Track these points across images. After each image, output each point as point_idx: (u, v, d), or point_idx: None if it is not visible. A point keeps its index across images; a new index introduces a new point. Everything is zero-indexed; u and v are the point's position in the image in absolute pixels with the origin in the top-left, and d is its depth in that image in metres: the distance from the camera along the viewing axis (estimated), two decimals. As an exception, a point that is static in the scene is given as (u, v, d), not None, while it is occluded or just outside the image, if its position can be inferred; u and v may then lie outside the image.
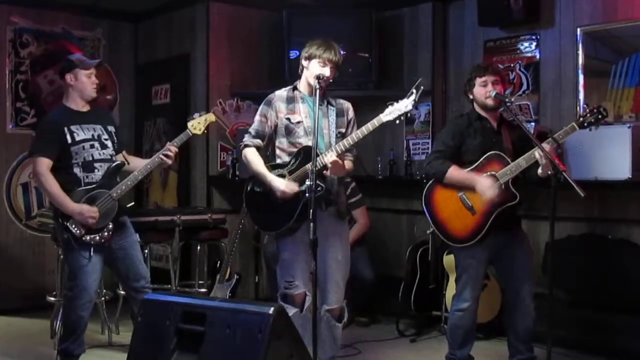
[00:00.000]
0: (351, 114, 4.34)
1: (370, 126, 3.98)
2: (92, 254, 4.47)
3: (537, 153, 4.10)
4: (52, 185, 4.46)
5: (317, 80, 4.06)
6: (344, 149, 4.03)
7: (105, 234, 4.52)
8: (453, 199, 4.37)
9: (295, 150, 4.19)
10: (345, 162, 4.15)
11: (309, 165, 3.91)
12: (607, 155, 4.89)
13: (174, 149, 4.62)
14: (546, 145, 4.07)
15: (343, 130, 4.27)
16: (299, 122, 4.19)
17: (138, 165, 4.73)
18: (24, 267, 6.69)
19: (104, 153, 4.63)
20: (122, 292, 5.79)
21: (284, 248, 4.26)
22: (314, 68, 4.17)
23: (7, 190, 6.73)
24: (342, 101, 4.36)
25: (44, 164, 4.49)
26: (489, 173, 4.26)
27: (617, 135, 4.89)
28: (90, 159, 4.58)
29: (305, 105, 4.25)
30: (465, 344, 4.49)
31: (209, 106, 6.62)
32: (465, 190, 4.32)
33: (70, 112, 4.66)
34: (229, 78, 6.76)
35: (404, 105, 3.94)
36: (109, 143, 4.68)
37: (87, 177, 4.57)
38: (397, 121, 3.98)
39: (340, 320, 4.29)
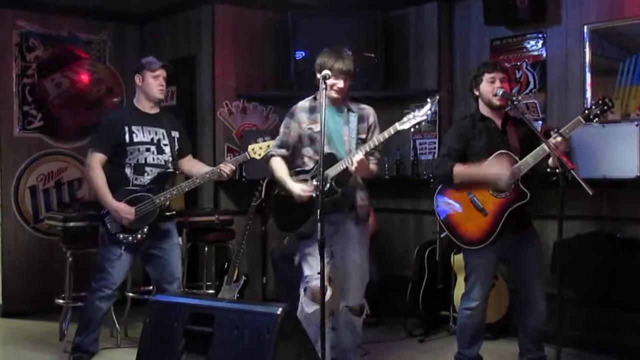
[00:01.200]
0: (372, 119, 4.46)
1: (386, 134, 4.11)
2: (122, 251, 4.65)
3: (545, 147, 4.07)
4: (99, 179, 4.65)
5: (323, 80, 4.04)
6: (366, 151, 4.16)
7: (139, 236, 4.64)
8: (464, 201, 4.36)
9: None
10: (370, 164, 4.32)
11: (329, 171, 4.18)
12: (615, 154, 4.88)
13: (231, 168, 4.78)
14: (557, 140, 4.04)
15: (364, 136, 4.39)
16: (319, 132, 4.22)
17: (196, 172, 4.87)
18: (33, 270, 6.70)
19: (158, 158, 4.75)
20: (130, 294, 5.81)
21: (306, 245, 4.41)
22: (326, 79, 4.19)
23: (15, 194, 6.74)
24: (363, 106, 4.48)
25: (97, 158, 4.69)
26: (499, 152, 4.24)
27: (625, 133, 4.88)
28: (143, 162, 4.71)
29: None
30: (473, 343, 4.48)
31: (215, 108, 6.64)
32: (475, 191, 4.30)
33: (136, 111, 4.80)
34: (235, 79, 6.76)
35: (420, 114, 4.00)
36: (167, 149, 4.79)
37: (136, 178, 4.71)
38: (412, 129, 4.14)
39: (359, 314, 4.54)
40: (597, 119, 4.07)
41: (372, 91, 6.34)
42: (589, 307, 5.13)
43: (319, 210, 3.70)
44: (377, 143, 4.16)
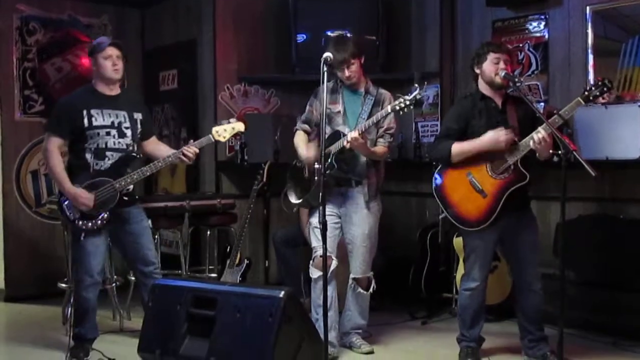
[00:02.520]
0: (387, 103, 4.65)
1: (379, 116, 4.48)
2: (84, 238, 4.52)
3: (535, 136, 4.07)
4: (56, 164, 4.56)
5: (323, 63, 4.05)
6: (363, 130, 4.46)
7: (99, 222, 4.54)
8: (463, 182, 4.35)
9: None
10: (377, 147, 4.68)
11: (331, 147, 4.51)
12: (618, 135, 4.86)
13: (194, 151, 4.65)
14: (542, 134, 4.05)
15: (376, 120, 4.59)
16: (338, 112, 4.73)
17: (159, 155, 4.76)
18: (35, 254, 6.71)
19: (119, 142, 4.64)
20: (133, 278, 5.81)
21: (315, 215, 4.71)
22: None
23: (17, 178, 6.74)
24: (382, 91, 4.78)
25: (54, 142, 4.59)
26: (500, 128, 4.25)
27: (628, 114, 4.85)
28: (104, 146, 4.59)
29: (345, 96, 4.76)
30: (474, 324, 4.50)
31: (217, 91, 6.61)
32: (474, 172, 4.30)
33: (95, 94, 4.67)
34: (236, 63, 6.73)
35: (408, 99, 4.30)
36: (129, 132, 4.67)
37: (96, 164, 4.59)
38: (401, 112, 4.39)
39: (367, 288, 4.82)
40: (596, 100, 4.07)
41: (374, 74, 6.28)
42: (591, 288, 5.14)
43: (321, 194, 3.72)
44: (370, 124, 4.49)
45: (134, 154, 4.70)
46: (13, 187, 6.72)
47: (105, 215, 4.55)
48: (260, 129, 6.37)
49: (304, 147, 4.81)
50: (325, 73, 4.04)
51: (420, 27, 6.49)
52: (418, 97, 4.26)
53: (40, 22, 6.84)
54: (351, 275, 4.80)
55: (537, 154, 4.20)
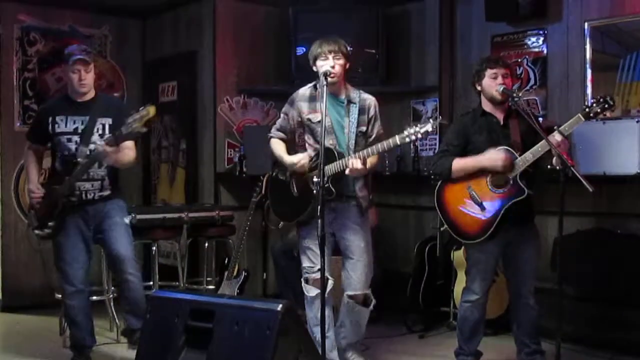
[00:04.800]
0: (372, 111, 4.46)
1: (385, 145, 4.15)
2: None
3: (553, 140, 4.06)
4: (27, 167, 4.86)
5: (324, 77, 4.09)
6: (364, 158, 4.18)
7: (46, 230, 4.65)
8: (464, 195, 4.36)
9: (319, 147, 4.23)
10: (369, 159, 4.27)
11: (327, 169, 4.16)
12: (616, 150, 4.87)
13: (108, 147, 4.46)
14: (558, 137, 4.04)
15: (364, 128, 4.41)
16: (319, 122, 4.28)
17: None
18: (33, 264, 6.69)
19: (82, 149, 4.57)
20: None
21: (306, 235, 4.47)
22: (320, 66, 4.28)
23: (16, 188, 6.74)
24: (366, 96, 4.47)
25: (28, 146, 4.87)
26: (499, 148, 4.24)
27: (626, 129, 4.86)
28: (67, 152, 4.63)
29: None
30: (473, 337, 4.49)
31: (216, 103, 6.63)
32: (474, 185, 4.31)
33: (66, 101, 4.73)
34: (236, 75, 6.75)
35: (421, 131, 4.05)
36: (93, 138, 4.59)
37: (62, 170, 4.65)
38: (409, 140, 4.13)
39: (365, 305, 4.53)
40: (597, 117, 4.06)
41: (373, 87, 6.31)
42: (588, 303, 5.14)
43: (319, 207, 3.71)
44: (375, 152, 4.19)
45: (77, 161, 4.58)
46: (11, 197, 6.72)
47: (51, 223, 4.62)
48: (259, 141, 6.35)
49: (285, 153, 4.50)
50: (326, 87, 4.06)
51: (419, 41, 6.51)
52: (430, 130, 4.06)
53: (40, 32, 6.86)
54: (348, 292, 4.52)
55: (554, 160, 4.15)
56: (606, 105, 4.03)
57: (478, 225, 4.30)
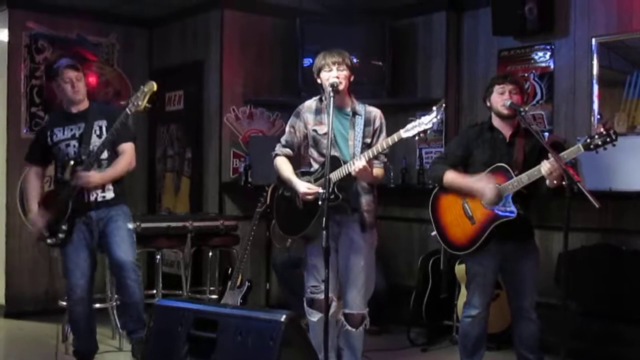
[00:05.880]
0: (378, 122, 4.36)
1: (390, 141, 4.03)
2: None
3: (543, 169, 4.04)
4: (27, 191, 4.92)
5: (330, 89, 4.09)
6: (369, 157, 4.06)
7: (60, 235, 4.65)
8: (456, 206, 4.38)
9: (323, 159, 4.20)
10: (374, 169, 4.19)
11: (332, 175, 4.05)
12: (622, 166, 4.87)
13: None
14: (549, 165, 4.03)
15: (369, 140, 4.32)
16: (325, 134, 4.21)
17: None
18: (37, 271, 6.71)
19: (80, 151, 4.64)
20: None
21: (311, 253, 4.35)
22: (324, 78, 4.25)
23: (21, 195, 6.75)
24: (371, 109, 4.38)
25: (29, 171, 4.92)
26: (496, 165, 4.24)
27: (632, 146, 4.87)
28: (65, 157, 4.68)
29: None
30: (475, 352, 4.47)
31: (222, 113, 6.65)
32: (468, 199, 4.31)
33: (61, 114, 4.83)
34: (242, 85, 6.78)
35: (425, 122, 3.88)
36: (91, 139, 4.67)
37: (61, 176, 4.71)
38: (417, 137, 3.98)
39: (358, 325, 4.31)
40: (597, 149, 4.03)
41: (379, 99, 6.34)
42: (593, 318, 5.12)
43: (324, 218, 3.70)
44: (380, 150, 4.07)
45: (97, 161, 4.64)
46: (17, 204, 6.73)
47: (64, 227, 4.63)
48: (264, 151, 6.34)
49: (295, 178, 4.29)
50: (332, 99, 4.06)
51: (426, 54, 6.52)
52: (437, 119, 3.87)
53: (48, 40, 6.89)
54: (344, 310, 4.34)
55: (547, 182, 4.15)
56: (608, 139, 3.98)
57: (466, 237, 4.32)
